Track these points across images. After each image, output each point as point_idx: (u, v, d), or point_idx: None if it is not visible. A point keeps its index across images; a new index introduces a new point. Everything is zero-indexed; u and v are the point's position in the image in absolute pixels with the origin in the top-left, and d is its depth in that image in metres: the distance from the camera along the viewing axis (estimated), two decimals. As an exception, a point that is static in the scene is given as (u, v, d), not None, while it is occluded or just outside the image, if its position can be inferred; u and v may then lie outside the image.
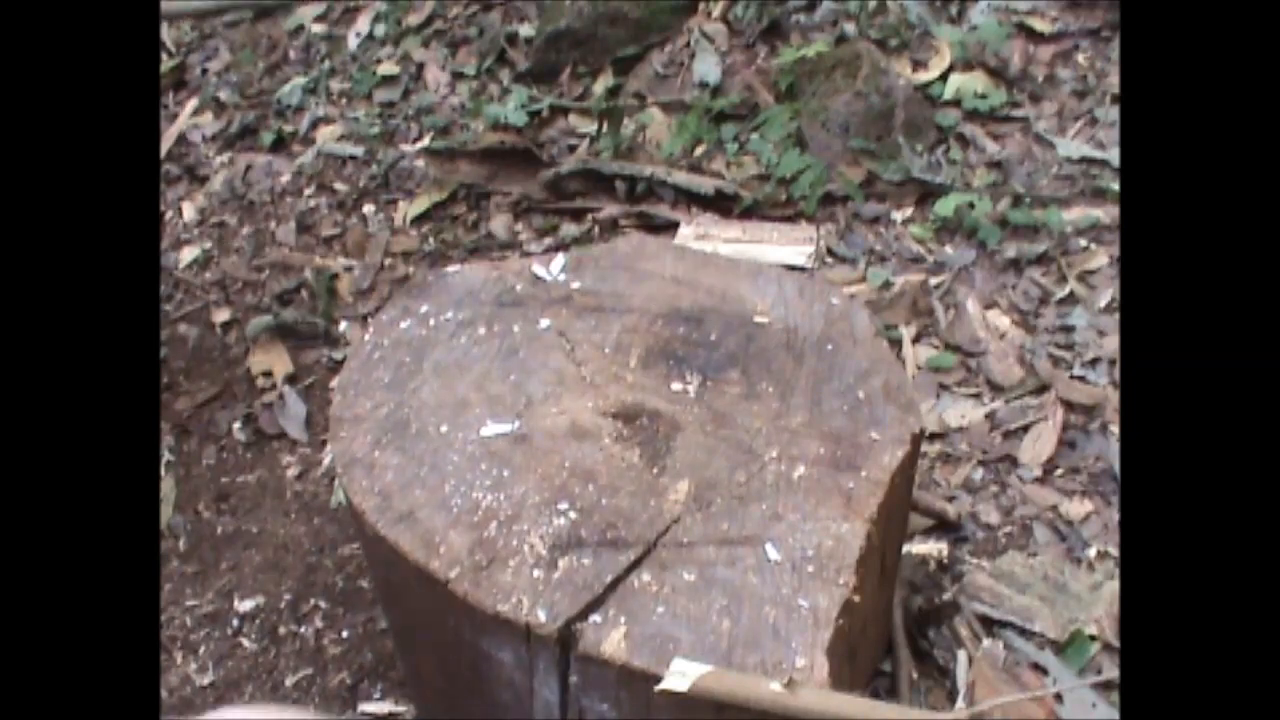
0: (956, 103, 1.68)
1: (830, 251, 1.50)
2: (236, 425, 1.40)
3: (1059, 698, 0.99)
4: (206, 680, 1.10)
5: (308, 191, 1.81)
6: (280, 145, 1.92)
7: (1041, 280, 1.43)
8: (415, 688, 0.99)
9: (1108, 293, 1.40)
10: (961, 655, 1.02)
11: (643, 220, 1.60)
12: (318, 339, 1.51)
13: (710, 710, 0.63)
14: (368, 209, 1.75)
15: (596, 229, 1.61)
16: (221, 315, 1.57)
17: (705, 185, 1.57)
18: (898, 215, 1.55)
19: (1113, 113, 1.66)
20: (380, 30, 2.11)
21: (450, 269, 0.95)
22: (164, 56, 2.16)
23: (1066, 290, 1.41)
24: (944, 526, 1.15)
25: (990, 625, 1.06)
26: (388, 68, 2.03)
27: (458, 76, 1.97)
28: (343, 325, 1.53)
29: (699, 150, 1.68)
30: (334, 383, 0.93)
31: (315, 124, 1.96)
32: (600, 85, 1.84)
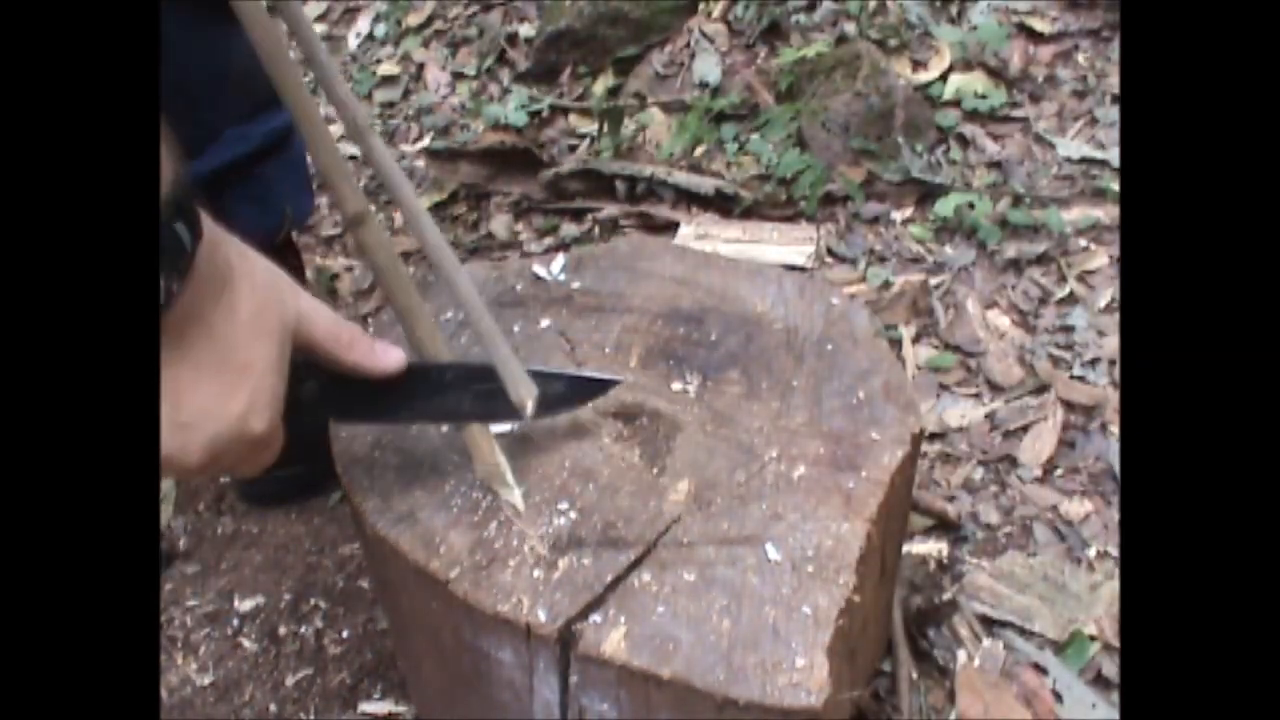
0: (956, 103, 1.68)
1: (830, 251, 1.51)
2: (236, 425, 1.40)
3: (1059, 697, 0.99)
4: (207, 680, 1.10)
5: (308, 191, 1.81)
6: (280, 145, 1.92)
7: (1041, 280, 1.43)
8: (415, 688, 0.99)
9: (1108, 293, 1.40)
10: (961, 655, 1.02)
11: (643, 220, 1.60)
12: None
13: (711, 710, 0.64)
14: (368, 209, 1.75)
15: (596, 229, 1.61)
16: (222, 315, 1.56)
17: (705, 185, 1.58)
18: (898, 215, 1.55)
19: (1113, 113, 1.67)
20: (380, 30, 2.11)
21: (450, 269, 0.95)
22: (164, 56, 2.16)
23: (1066, 290, 1.41)
24: (944, 526, 1.15)
25: (990, 625, 1.06)
26: (388, 68, 2.03)
27: (458, 76, 1.97)
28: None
29: (699, 150, 1.68)
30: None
31: (315, 124, 1.96)
32: (600, 85, 1.84)
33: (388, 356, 0.68)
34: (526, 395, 0.71)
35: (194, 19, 0.90)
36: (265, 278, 0.61)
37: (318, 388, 0.69)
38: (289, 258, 1.11)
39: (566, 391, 0.75)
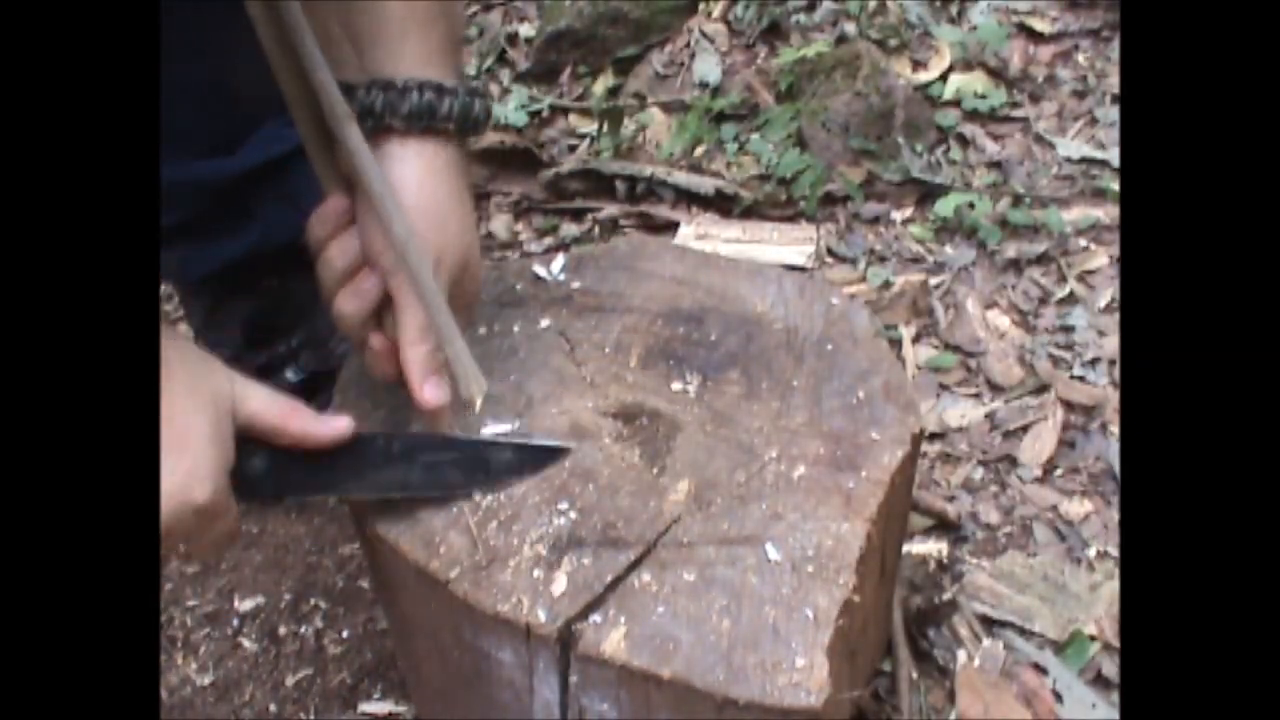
0: (956, 103, 1.68)
1: (830, 251, 1.51)
2: (236, 425, 1.40)
3: (1059, 697, 0.99)
4: (207, 680, 1.10)
5: (308, 192, 1.81)
6: (280, 145, 1.92)
7: (1041, 280, 1.43)
8: (415, 688, 0.99)
9: (1108, 293, 1.40)
10: (961, 655, 1.02)
11: (643, 220, 1.60)
12: (318, 339, 1.51)
13: (711, 710, 0.64)
14: (368, 209, 1.75)
15: (596, 229, 1.61)
16: (222, 315, 1.56)
17: (705, 185, 1.58)
18: (898, 215, 1.55)
19: (1113, 113, 1.67)
20: (380, 30, 2.11)
21: (450, 269, 0.95)
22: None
23: (1066, 290, 1.41)
24: (944, 526, 1.15)
25: (990, 625, 1.06)
26: (388, 68, 2.02)
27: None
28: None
29: (699, 150, 1.68)
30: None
31: (315, 124, 1.95)
32: (600, 85, 1.84)
33: (331, 425, 0.70)
34: (477, 392, 0.71)
35: (234, 16, 0.90)
36: (196, 355, 0.64)
37: (265, 462, 0.69)
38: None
39: (515, 461, 0.75)
